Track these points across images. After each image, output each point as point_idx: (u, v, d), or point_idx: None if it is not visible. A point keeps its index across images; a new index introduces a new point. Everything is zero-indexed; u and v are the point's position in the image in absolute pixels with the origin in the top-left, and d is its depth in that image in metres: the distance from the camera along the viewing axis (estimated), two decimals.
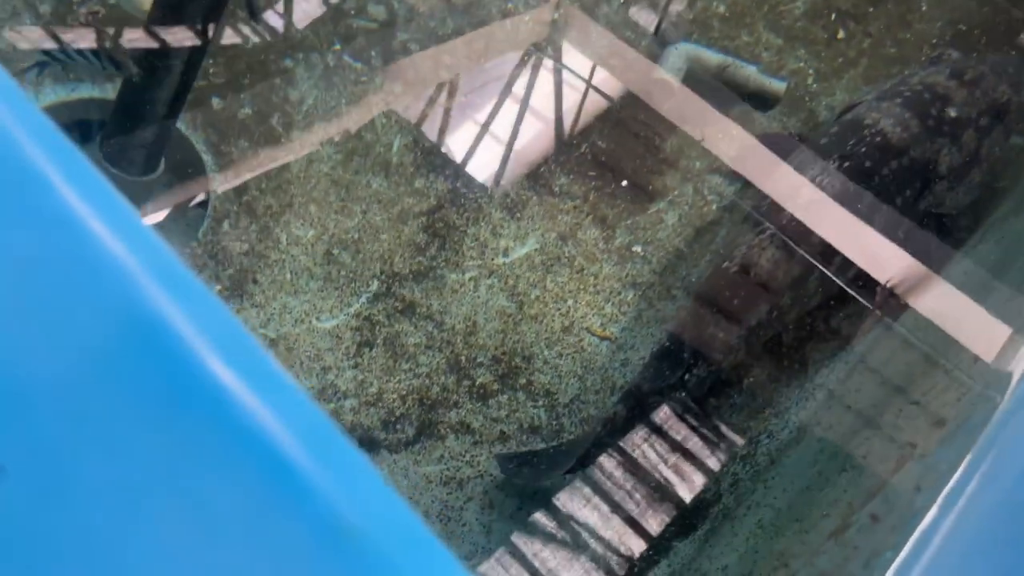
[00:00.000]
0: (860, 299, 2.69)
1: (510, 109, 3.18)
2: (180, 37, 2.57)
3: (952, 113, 2.83)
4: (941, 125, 2.80)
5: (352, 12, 3.14)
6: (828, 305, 2.80)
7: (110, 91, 2.68)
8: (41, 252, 0.49)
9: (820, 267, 2.67)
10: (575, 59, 3.27)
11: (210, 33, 2.64)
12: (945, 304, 2.50)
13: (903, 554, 0.87)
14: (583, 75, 3.21)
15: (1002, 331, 2.19)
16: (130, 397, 0.47)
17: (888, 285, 2.62)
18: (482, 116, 3.15)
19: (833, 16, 3.32)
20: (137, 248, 0.51)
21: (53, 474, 0.44)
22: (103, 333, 0.48)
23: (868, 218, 2.70)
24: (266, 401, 0.49)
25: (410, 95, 3.04)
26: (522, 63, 3.24)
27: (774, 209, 2.76)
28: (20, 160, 0.49)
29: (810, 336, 2.80)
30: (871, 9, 3.36)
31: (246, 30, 3.01)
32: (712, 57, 2.99)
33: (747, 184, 3.02)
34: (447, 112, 3.08)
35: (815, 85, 3.12)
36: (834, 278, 2.68)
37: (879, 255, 2.66)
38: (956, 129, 2.82)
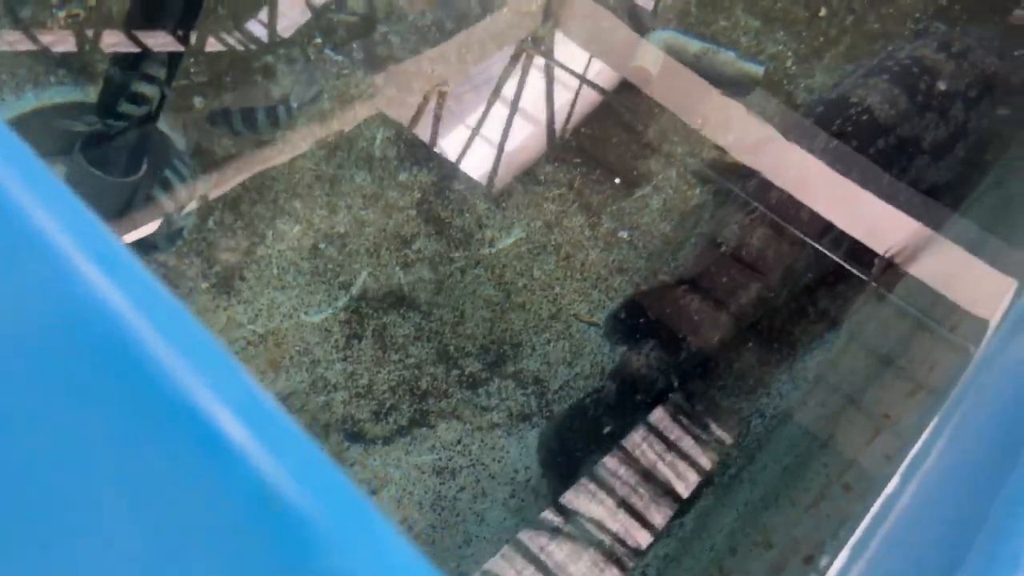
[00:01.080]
0: (857, 272, 2.69)
1: (496, 101, 3.18)
2: (160, 41, 2.57)
3: (942, 86, 2.82)
4: (930, 99, 2.80)
5: (332, 6, 3.14)
6: (818, 285, 2.80)
7: (91, 94, 2.69)
8: None
9: (813, 243, 2.68)
10: (564, 48, 3.27)
11: (189, 36, 2.64)
12: (940, 262, 2.50)
13: (868, 517, 0.88)
14: (572, 67, 3.22)
15: (998, 282, 2.16)
16: (65, 373, 0.48)
17: (887, 256, 2.62)
18: (466, 108, 3.15)
19: None
20: (70, 225, 0.52)
21: None
22: (38, 311, 0.49)
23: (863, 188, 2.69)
24: (200, 374, 0.49)
25: (392, 87, 3.04)
26: (509, 55, 3.24)
27: (764, 187, 2.77)
28: None
29: (799, 316, 2.81)
30: None
31: (228, 38, 3.02)
32: (690, 44, 2.99)
33: (735, 166, 3.03)
34: (430, 104, 3.08)
35: (794, 67, 3.12)
36: (828, 253, 2.68)
37: (878, 226, 2.65)
38: (945, 103, 2.82)
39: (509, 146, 3.08)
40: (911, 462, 0.94)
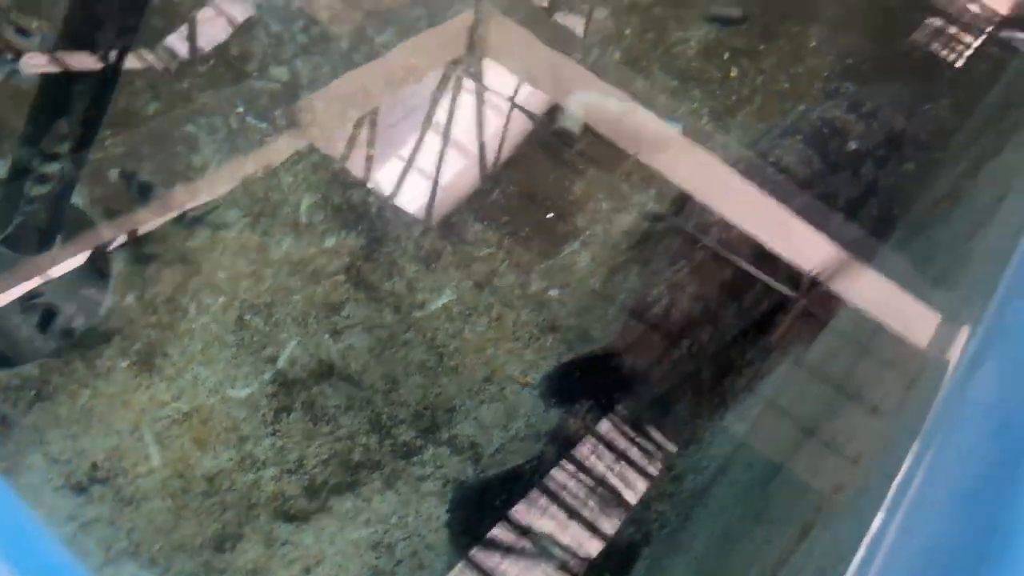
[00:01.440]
0: (784, 290, 2.76)
1: (423, 156, 3.19)
2: (84, 62, 2.49)
3: (852, 146, 2.95)
4: (842, 159, 2.92)
5: (254, 74, 3.12)
6: (744, 338, 2.87)
7: (1, 168, 2.60)
8: None
9: (751, 271, 2.73)
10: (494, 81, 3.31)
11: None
12: (874, 295, 2.58)
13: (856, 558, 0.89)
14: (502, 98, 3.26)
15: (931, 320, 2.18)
16: None
17: (813, 274, 2.70)
18: (393, 166, 3.16)
19: (726, 55, 3.45)
20: None
21: None
22: None
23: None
24: None
25: (317, 154, 3.03)
26: (436, 103, 3.27)
27: (689, 241, 2.83)
28: None
29: (728, 370, 2.86)
30: (763, 46, 3.50)
31: (149, 57, 2.97)
32: (611, 104, 3.07)
33: (660, 220, 3.09)
34: (357, 166, 3.08)
35: (709, 125, 3.22)
36: (755, 271, 2.73)
37: (803, 245, 2.74)
38: (856, 162, 2.95)
39: (439, 205, 3.09)
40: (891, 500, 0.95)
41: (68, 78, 2.12)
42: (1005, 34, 3.69)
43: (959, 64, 3.55)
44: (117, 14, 2.05)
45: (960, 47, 3.62)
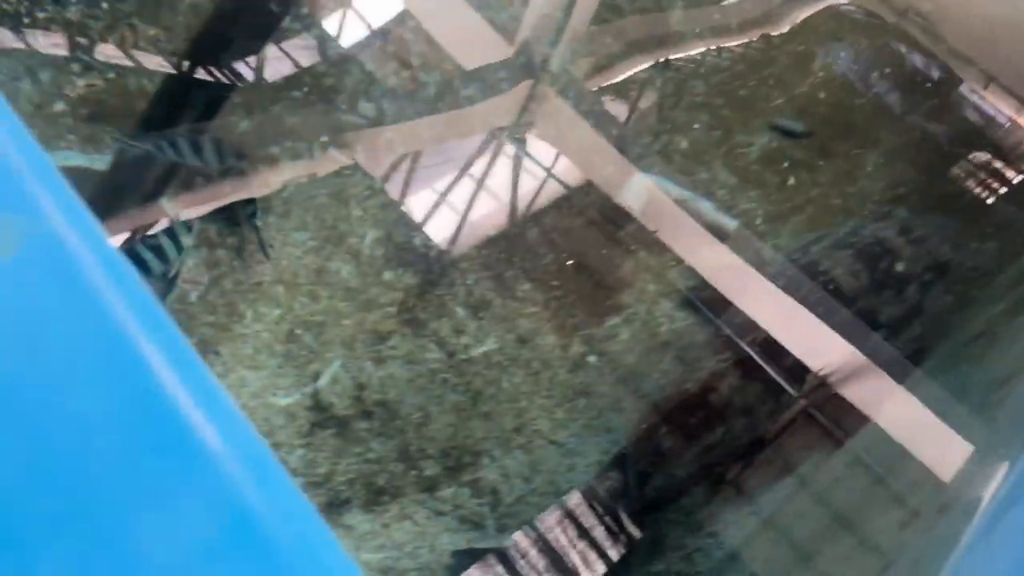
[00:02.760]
0: (788, 388, 2.82)
1: (489, 205, 3.33)
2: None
3: (899, 267, 3.07)
4: (888, 278, 3.04)
5: (344, 107, 3.31)
6: (772, 435, 2.92)
7: (98, 162, 2.77)
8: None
9: (780, 385, 2.80)
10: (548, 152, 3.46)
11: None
12: (899, 415, 2.63)
13: None
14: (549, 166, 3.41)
15: (961, 448, 2.20)
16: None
17: (820, 373, 2.78)
18: (457, 218, 3.30)
19: (786, 164, 3.60)
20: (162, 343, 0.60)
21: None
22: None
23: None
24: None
25: (389, 192, 3.18)
26: (494, 152, 3.43)
27: (735, 335, 2.92)
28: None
29: (751, 463, 2.90)
30: (822, 162, 3.66)
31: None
32: (671, 190, 3.22)
33: (706, 309, 3.18)
34: (424, 211, 3.22)
35: (763, 226, 3.36)
36: (779, 378, 2.80)
37: (817, 343, 2.82)
38: (902, 284, 3.06)
39: (495, 257, 3.21)
40: None
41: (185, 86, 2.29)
42: None
43: (1007, 208, 3.68)
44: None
45: (1008, 189, 3.76)
